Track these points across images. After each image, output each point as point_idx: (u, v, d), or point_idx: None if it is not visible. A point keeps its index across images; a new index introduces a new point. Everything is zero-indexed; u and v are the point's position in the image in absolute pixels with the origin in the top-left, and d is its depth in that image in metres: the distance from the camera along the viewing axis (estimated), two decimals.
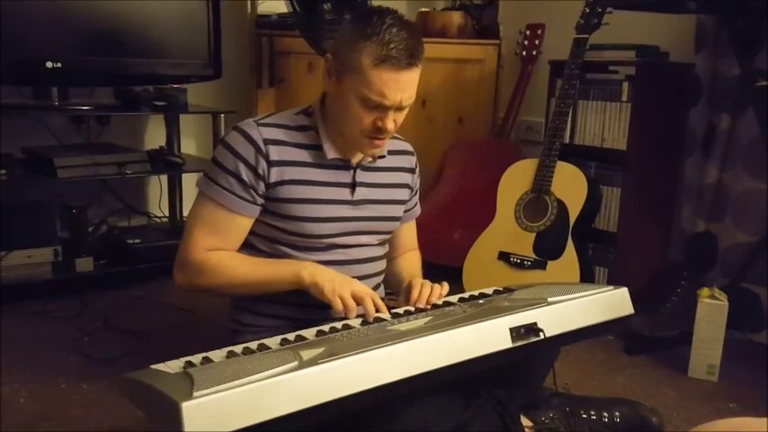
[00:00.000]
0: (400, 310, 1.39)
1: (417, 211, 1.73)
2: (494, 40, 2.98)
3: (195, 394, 0.90)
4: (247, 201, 1.42)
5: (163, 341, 2.11)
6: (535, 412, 1.50)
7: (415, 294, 1.44)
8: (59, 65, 2.33)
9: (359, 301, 1.36)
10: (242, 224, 1.44)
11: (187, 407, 0.88)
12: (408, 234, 1.73)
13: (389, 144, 1.52)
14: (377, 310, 1.36)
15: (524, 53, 2.89)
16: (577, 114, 2.49)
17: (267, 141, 1.41)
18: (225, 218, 1.42)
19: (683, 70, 2.44)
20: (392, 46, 1.31)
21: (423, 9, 3.12)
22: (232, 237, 1.45)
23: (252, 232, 1.48)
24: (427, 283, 1.48)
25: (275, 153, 1.41)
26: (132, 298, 2.47)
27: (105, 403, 1.72)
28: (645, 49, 2.40)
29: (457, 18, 3.00)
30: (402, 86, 1.35)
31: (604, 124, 2.42)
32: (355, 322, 1.32)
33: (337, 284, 1.37)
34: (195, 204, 1.46)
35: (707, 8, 2.21)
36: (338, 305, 1.35)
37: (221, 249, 1.43)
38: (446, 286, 1.48)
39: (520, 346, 1.19)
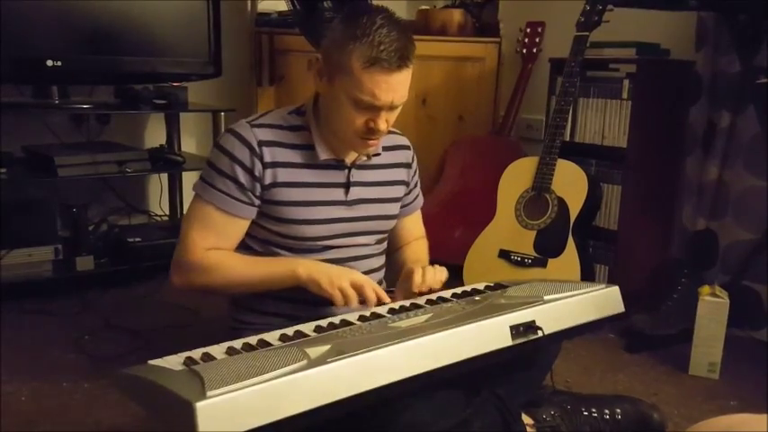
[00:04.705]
0: (396, 306, 1.37)
1: (420, 202, 1.71)
2: (494, 38, 2.97)
3: (209, 394, 0.89)
4: (245, 203, 1.41)
5: (164, 340, 2.11)
6: (536, 410, 1.50)
7: (417, 279, 1.41)
8: (59, 63, 2.33)
9: (358, 290, 1.35)
10: (240, 226, 1.44)
11: (201, 407, 0.87)
12: (412, 225, 1.71)
13: (385, 140, 1.50)
14: (378, 299, 1.35)
15: (525, 51, 2.88)
16: (578, 112, 2.49)
17: (261, 143, 1.40)
18: (222, 220, 1.42)
19: (683, 68, 2.44)
20: (382, 48, 1.28)
21: (423, 7, 3.11)
22: (230, 237, 1.45)
23: (247, 234, 1.47)
24: (429, 267, 1.45)
25: (269, 155, 1.41)
26: (133, 296, 2.47)
27: (106, 402, 1.72)
28: (645, 47, 2.40)
29: (457, 16, 3.00)
30: (393, 87, 1.32)
31: (605, 122, 2.42)
32: (353, 318, 1.31)
33: (334, 276, 1.36)
34: (191, 207, 1.45)
35: (707, 5, 2.21)
36: (338, 297, 1.34)
37: (219, 249, 1.43)
38: (444, 271, 1.46)
39: (519, 343, 1.20)
